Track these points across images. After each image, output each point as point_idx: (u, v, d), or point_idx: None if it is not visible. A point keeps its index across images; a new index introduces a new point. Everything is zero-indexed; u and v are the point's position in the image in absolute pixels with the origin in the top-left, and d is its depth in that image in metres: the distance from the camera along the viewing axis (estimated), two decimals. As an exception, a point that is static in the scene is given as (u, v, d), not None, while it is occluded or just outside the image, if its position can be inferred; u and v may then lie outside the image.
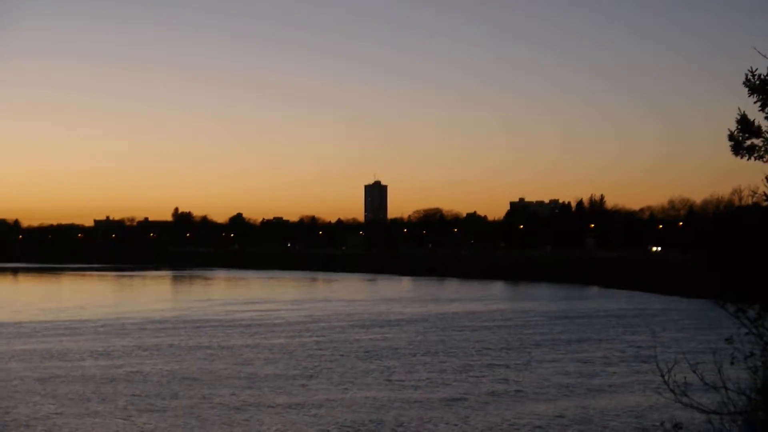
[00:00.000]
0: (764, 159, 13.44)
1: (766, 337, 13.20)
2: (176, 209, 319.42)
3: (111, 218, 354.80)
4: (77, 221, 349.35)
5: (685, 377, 15.37)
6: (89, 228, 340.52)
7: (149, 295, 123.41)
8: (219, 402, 38.77)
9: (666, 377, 15.18)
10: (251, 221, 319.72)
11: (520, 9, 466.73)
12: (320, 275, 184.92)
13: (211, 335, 66.09)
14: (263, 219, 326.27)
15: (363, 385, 43.07)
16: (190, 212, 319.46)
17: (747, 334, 13.42)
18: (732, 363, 14.26)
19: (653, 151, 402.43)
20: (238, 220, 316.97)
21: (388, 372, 47.32)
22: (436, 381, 44.48)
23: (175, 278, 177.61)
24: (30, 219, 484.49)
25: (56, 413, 36.42)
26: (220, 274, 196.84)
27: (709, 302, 14.08)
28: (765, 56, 12.64)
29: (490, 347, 58.24)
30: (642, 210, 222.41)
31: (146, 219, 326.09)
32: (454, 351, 56.19)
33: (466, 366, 49.56)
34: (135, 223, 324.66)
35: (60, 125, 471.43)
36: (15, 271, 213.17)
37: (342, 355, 54.11)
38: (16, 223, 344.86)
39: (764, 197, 13.45)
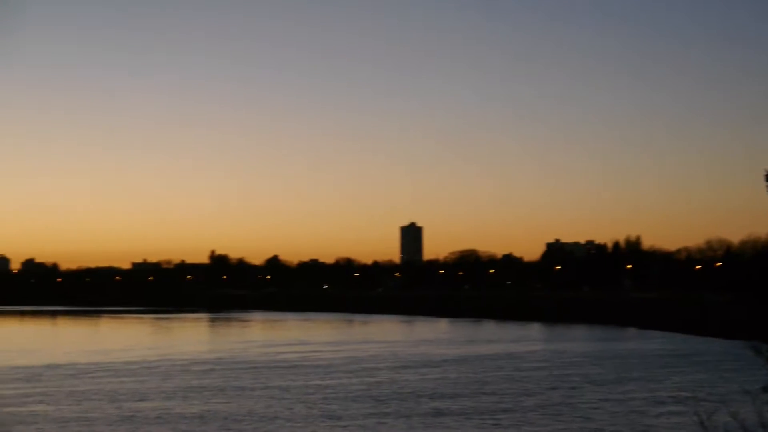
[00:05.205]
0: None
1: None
2: (213, 252, 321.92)
3: (148, 261, 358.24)
4: (115, 264, 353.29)
5: (724, 422, 15.88)
6: (126, 271, 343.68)
7: (189, 337, 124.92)
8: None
9: (705, 422, 15.63)
10: (287, 263, 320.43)
11: (549, 38, 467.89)
12: (356, 317, 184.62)
13: (261, 376, 66.64)
14: (299, 261, 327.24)
15: (445, 427, 43.33)
16: (226, 255, 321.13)
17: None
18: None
19: (690, 192, 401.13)
20: (274, 262, 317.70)
21: (463, 413, 47.49)
22: (523, 420, 45.13)
23: (213, 320, 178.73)
24: (68, 262, 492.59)
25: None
26: (257, 316, 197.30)
27: (747, 343, 14.34)
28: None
29: (548, 387, 58.67)
30: (679, 251, 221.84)
31: (183, 262, 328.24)
32: (516, 391, 56.81)
33: (537, 405, 50.17)
34: (172, 266, 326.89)
35: (98, 171, 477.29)
36: (54, 314, 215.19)
37: (404, 396, 54.43)
38: (55, 266, 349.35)
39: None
